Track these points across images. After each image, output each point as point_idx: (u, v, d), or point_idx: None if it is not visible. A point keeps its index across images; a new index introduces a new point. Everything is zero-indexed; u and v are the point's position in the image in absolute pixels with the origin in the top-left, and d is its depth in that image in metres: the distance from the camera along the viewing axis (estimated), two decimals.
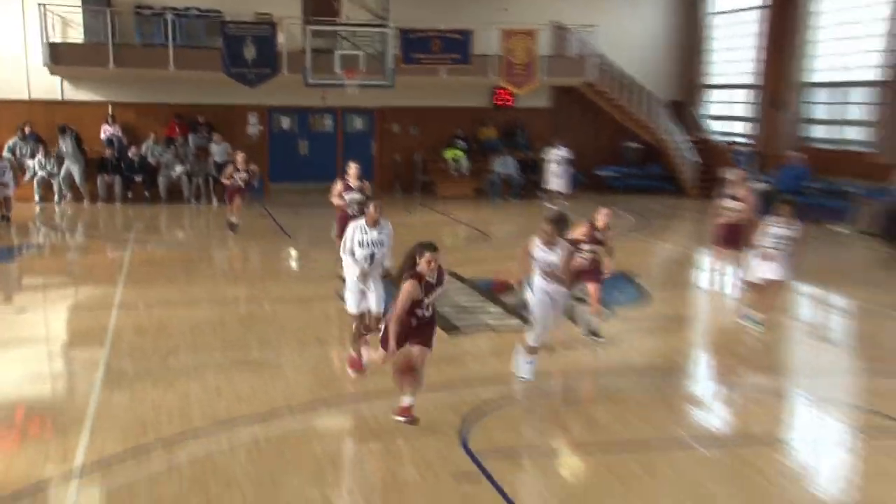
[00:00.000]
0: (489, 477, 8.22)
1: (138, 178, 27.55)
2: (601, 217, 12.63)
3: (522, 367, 10.95)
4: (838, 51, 26.91)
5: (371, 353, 9.79)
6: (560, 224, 11.04)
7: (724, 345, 14.10)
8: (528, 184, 29.13)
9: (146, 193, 27.51)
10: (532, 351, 10.93)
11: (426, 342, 9.30)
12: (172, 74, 27.27)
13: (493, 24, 28.98)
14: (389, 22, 27.34)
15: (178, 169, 27.66)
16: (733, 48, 31.48)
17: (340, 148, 30.55)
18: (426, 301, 9.15)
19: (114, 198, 27.22)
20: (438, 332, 13.18)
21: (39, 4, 26.22)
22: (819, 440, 9.96)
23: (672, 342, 13.68)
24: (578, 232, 12.43)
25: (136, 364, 11.69)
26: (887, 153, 23.82)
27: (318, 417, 9.95)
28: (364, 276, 11.17)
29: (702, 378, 12.47)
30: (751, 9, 30.13)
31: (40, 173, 26.63)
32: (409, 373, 9.18)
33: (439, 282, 9.27)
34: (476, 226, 24.12)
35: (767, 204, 25.12)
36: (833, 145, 27.08)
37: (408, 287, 8.92)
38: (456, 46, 29.16)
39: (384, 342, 9.14)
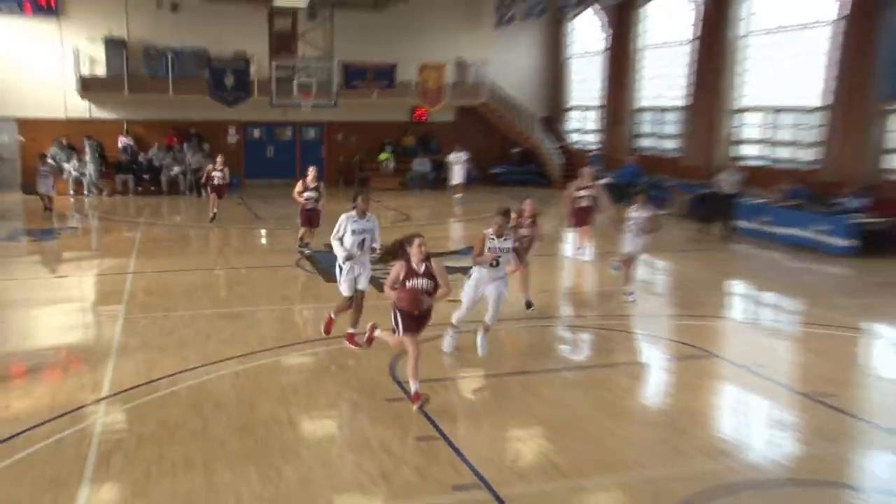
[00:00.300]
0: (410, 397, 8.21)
1: (146, 177, 27.87)
2: (527, 207, 12.35)
3: (445, 340, 10.04)
4: (657, 84, 27.61)
5: (386, 335, 8.87)
6: (507, 215, 10.56)
7: (583, 297, 14.43)
8: (439, 179, 29.50)
9: (152, 188, 27.69)
10: (454, 327, 10.02)
11: (418, 332, 8.33)
12: (172, 98, 27.56)
13: (412, 59, 29.39)
14: (334, 57, 27.56)
15: (176, 169, 27.85)
16: (585, 80, 31.86)
17: (298, 152, 30.65)
18: (420, 284, 8.16)
19: (128, 192, 27.62)
20: (372, 290, 13.57)
21: (74, 48, 26.56)
22: (647, 364, 10.33)
23: (546, 297, 13.62)
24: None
25: (146, 317, 11.81)
26: (690, 158, 24.64)
27: (284, 355, 9.97)
28: (354, 260, 10.05)
29: (567, 322, 12.45)
30: (596, 53, 30.62)
31: (74, 174, 26.85)
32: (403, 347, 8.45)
33: (428, 274, 8.21)
34: (401, 210, 24.33)
35: (611, 193, 25.86)
36: (655, 152, 27.67)
37: (396, 267, 8.25)
38: (385, 75, 29.69)
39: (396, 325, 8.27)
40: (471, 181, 28.05)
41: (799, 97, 21.55)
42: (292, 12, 27.24)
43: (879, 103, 18.50)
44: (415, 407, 7.96)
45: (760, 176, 22.05)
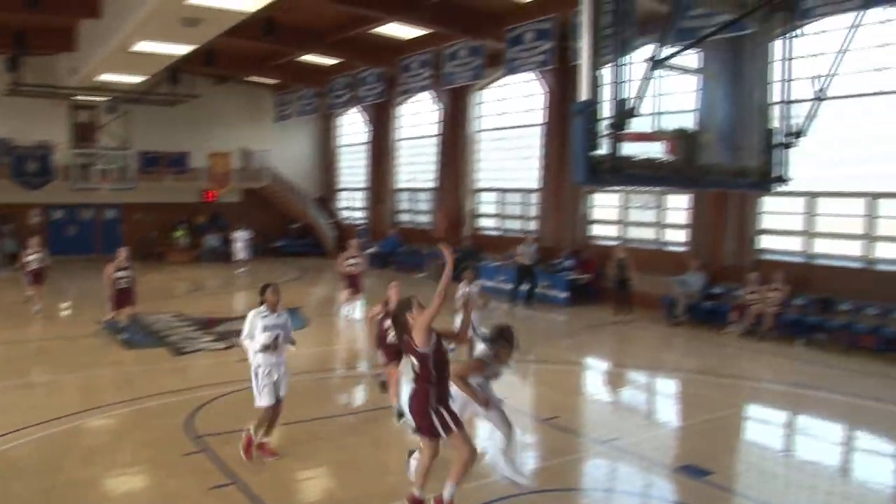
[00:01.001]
0: (207, 450, 7.91)
1: None
2: (391, 292, 9.11)
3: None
4: (411, 169, 28.29)
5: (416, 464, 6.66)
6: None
7: (356, 351, 14.18)
8: (227, 252, 28.07)
9: None
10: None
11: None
12: None
13: (202, 148, 28.61)
14: (132, 146, 26.23)
15: None
16: (352, 166, 32.15)
17: (99, 231, 28.56)
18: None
19: None
20: (169, 355, 12.83)
21: None
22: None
23: (326, 352, 13.66)
24: (376, 309, 9.22)
25: None
26: (438, 230, 25.33)
27: (86, 419, 9.17)
28: (271, 361, 7.62)
29: (342, 373, 12.41)
30: (360, 143, 31.03)
31: None
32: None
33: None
34: (195, 281, 23.35)
35: (376, 261, 26.03)
36: (413, 225, 28.15)
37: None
38: (178, 162, 28.70)
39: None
40: (256, 254, 27.41)
41: (522, 181, 22.91)
42: (93, 106, 25.81)
43: (576, 188, 19.89)
44: None
45: (494, 243, 23.17)
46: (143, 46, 17.25)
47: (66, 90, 24.34)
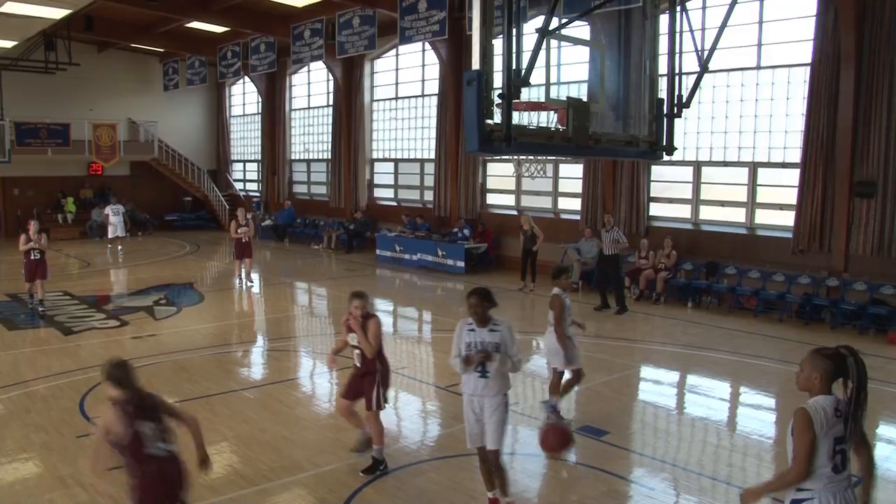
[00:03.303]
0: None
1: None
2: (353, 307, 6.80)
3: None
4: (306, 139, 27.82)
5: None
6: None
7: (250, 323, 14.10)
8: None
9: None
10: None
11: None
12: None
13: (85, 118, 27.08)
14: (5, 116, 24.57)
15: None
16: (244, 137, 31.41)
17: None
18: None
19: None
20: (57, 334, 12.27)
21: None
22: (312, 377, 10.16)
23: (223, 326, 13.34)
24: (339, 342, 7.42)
25: None
26: (334, 201, 25.13)
27: None
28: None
29: (241, 345, 12.05)
30: (252, 114, 30.37)
31: None
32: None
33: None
34: (82, 258, 22.24)
35: (273, 233, 25.62)
36: (308, 196, 27.76)
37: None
38: (58, 134, 26.93)
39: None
40: (148, 229, 26.17)
41: (417, 151, 22.83)
42: None
43: (472, 157, 20.00)
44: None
45: (391, 212, 23.08)
46: (11, 7, 16.06)
47: None
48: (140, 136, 29.53)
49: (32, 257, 13.97)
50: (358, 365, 6.79)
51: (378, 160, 24.52)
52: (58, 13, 17.32)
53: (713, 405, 9.35)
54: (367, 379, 6.73)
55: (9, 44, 21.11)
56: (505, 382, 5.81)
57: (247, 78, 28.18)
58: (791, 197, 14.31)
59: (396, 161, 23.85)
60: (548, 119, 5.85)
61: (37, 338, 12.22)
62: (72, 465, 6.86)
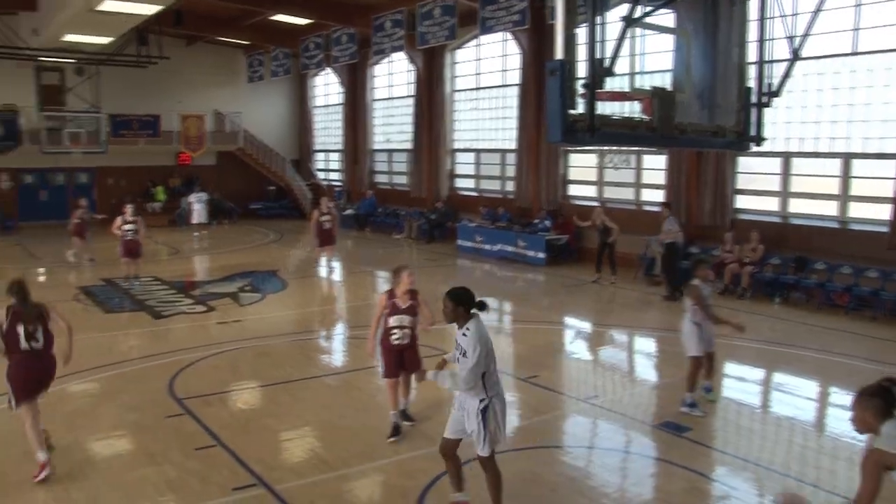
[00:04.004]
0: (189, 412, 7.98)
1: None
2: (410, 279, 7.34)
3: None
4: (388, 130, 28.08)
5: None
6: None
7: (332, 310, 14.24)
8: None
9: None
10: None
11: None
12: None
13: (174, 110, 28.15)
14: (102, 109, 25.75)
15: None
16: (327, 127, 31.98)
17: (70, 196, 27.84)
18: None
19: None
20: (148, 318, 12.83)
21: None
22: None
23: (306, 313, 13.73)
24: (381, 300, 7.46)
25: None
26: (416, 191, 25.36)
27: (67, 384, 8.30)
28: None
29: (323, 334, 12.35)
30: (335, 105, 30.88)
31: None
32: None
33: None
34: (171, 245, 23.09)
35: (354, 223, 26.06)
36: (389, 186, 28.05)
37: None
38: (149, 126, 28.03)
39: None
40: (231, 218, 27.08)
41: (498, 141, 22.83)
42: (59, 68, 25.19)
43: (553, 147, 19.87)
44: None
45: (471, 203, 23.15)
46: (109, 6, 16.80)
47: (31, 51, 23.73)
48: (226, 127, 30.43)
49: (129, 238, 15.65)
50: (406, 342, 7.34)
51: (459, 150, 24.64)
52: (151, 9, 18.07)
53: (800, 404, 9.07)
54: (414, 349, 7.44)
55: (106, 40, 22.11)
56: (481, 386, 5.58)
57: (329, 69, 28.72)
58: (887, 189, 13.69)
59: (478, 151, 23.91)
60: (632, 109, 5.80)
61: (129, 321, 12.77)
62: (162, 443, 7.20)
